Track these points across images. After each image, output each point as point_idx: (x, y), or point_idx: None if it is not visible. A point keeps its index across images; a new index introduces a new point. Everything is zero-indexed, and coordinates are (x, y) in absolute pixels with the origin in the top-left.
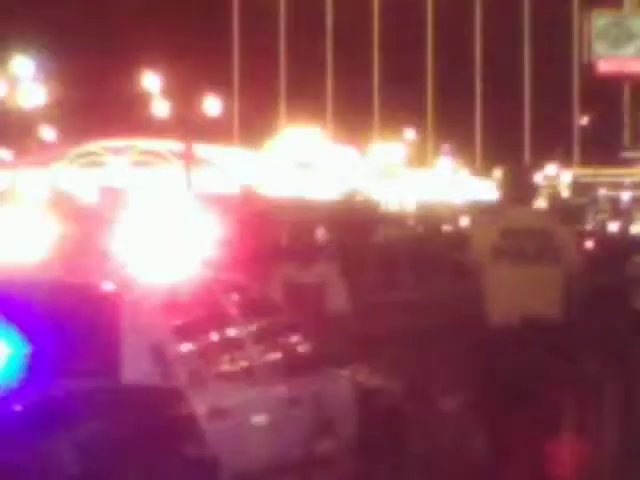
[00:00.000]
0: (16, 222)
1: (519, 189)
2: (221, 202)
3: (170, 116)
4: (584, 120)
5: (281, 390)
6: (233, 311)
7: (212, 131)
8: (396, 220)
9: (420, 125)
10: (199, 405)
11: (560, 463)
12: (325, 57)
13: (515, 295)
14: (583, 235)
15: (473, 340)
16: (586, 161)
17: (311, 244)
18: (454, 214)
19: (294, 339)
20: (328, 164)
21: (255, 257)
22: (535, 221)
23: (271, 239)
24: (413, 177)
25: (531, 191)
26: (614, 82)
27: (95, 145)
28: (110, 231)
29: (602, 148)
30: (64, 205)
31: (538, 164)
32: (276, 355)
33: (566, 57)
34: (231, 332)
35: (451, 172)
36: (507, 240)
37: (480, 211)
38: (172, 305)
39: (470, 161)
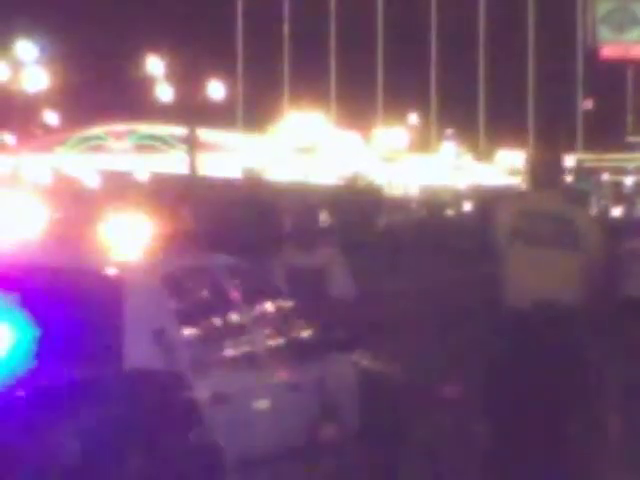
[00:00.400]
0: (18, 206)
1: (545, 172)
2: (225, 187)
3: (173, 100)
4: (588, 105)
5: (284, 375)
6: (236, 296)
7: (215, 115)
8: (399, 205)
9: (423, 110)
10: (201, 390)
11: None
12: (328, 42)
13: (529, 278)
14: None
15: (480, 325)
16: (590, 146)
17: (314, 228)
18: (457, 199)
19: (297, 324)
20: (331, 149)
21: (258, 241)
22: (555, 205)
23: (274, 223)
24: (416, 162)
25: (557, 175)
26: (618, 67)
27: (98, 129)
28: (113, 215)
29: (606, 133)
30: (67, 189)
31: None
32: (279, 340)
33: (570, 42)
34: (234, 317)
35: (454, 157)
36: (524, 222)
37: (501, 195)
38: (175, 290)
39: (474, 146)
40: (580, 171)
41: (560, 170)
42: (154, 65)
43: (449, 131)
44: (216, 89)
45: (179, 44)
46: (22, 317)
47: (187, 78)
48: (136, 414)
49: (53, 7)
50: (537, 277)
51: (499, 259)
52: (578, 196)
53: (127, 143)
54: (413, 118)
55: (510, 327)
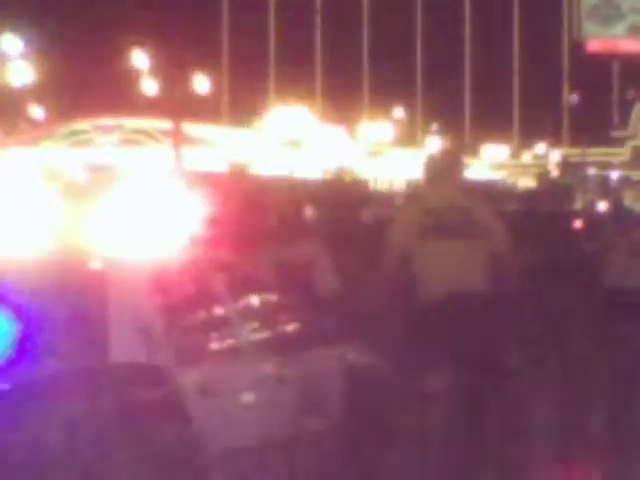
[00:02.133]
0: (3, 201)
1: (441, 171)
2: (209, 180)
3: (159, 94)
4: (573, 99)
5: (269, 368)
6: (221, 289)
7: (201, 109)
8: (385, 199)
9: (409, 104)
10: (186, 384)
11: None
12: (314, 36)
13: (440, 270)
14: (572, 214)
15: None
16: (575, 140)
17: (299, 223)
18: None
19: (283, 317)
20: (317, 143)
21: (243, 235)
22: (455, 199)
23: (259, 217)
24: (402, 156)
25: (456, 171)
26: (604, 61)
27: (84, 123)
28: (97, 209)
29: (591, 128)
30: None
31: (527, 143)
32: (264, 333)
33: (556, 36)
34: (219, 311)
35: (448, 147)
36: (429, 218)
37: (405, 196)
38: (159, 284)
39: (459, 140)
40: (565, 166)
41: (459, 166)
42: (139, 59)
43: (434, 125)
44: (201, 83)
45: (164, 38)
46: (5, 311)
47: (172, 72)
48: (120, 408)
49: (38, 1)
50: (447, 268)
51: (408, 257)
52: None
53: (113, 137)
54: (399, 112)
55: (425, 318)
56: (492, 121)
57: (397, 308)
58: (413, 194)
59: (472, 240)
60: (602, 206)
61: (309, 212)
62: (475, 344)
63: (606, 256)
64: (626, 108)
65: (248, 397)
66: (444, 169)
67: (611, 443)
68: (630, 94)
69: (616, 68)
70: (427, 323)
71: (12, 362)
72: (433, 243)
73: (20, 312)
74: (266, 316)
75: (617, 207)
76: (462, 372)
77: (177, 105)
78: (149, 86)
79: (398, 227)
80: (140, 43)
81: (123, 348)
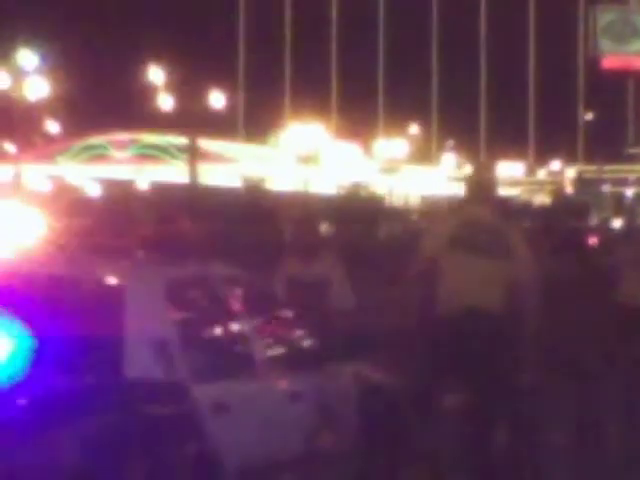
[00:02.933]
0: (20, 215)
1: (479, 189)
2: (224, 196)
3: (174, 110)
4: (589, 116)
5: (283, 385)
6: (236, 306)
7: (216, 125)
8: (400, 216)
9: (424, 121)
10: (201, 399)
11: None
12: (330, 52)
13: (462, 285)
14: (587, 231)
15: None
16: (590, 157)
17: (315, 239)
18: None
19: (297, 334)
20: (332, 159)
21: (259, 252)
22: (491, 218)
23: (275, 234)
24: (417, 172)
25: (488, 192)
26: (619, 78)
27: (99, 139)
28: (114, 224)
29: (606, 144)
30: (68, 198)
31: (542, 160)
32: (279, 350)
33: (571, 53)
34: (234, 327)
35: (455, 167)
36: (464, 231)
37: (445, 208)
38: (175, 300)
39: (474, 156)
40: (580, 182)
41: (493, 187)
42: (155, 74)
43: (450, 142)
44: (217, 99)
45: (180, 54)
46: (23, 326)
47: (188, 88)
48: (136, 424)
49: (54, 16)
50: (470, 284)
51: (435, 266)
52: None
53: (128, 152)
54: (414, 129)
55: (444, 333)
56: (507, 138)
57: (414, 323)
58: (451, 208)
59: (499, 261)
60: (617, 223)
61: (324, 228)
62: (489, 363)
63: (619, 272)
64: None
65: (263, 413)
66: (484, 188)
67: (626, 460)
68: None
69: (631, 85)
70: (442, 339)
71: (27, 378)
72: (461, 257)
73: (36, 327)
74: (282, 332)
75: (630, 224)
76: (476, 390)
77: (193, 121)
78: (165, 101)
79: (430, 236)
80: (156, 59)
81: (139, 364)
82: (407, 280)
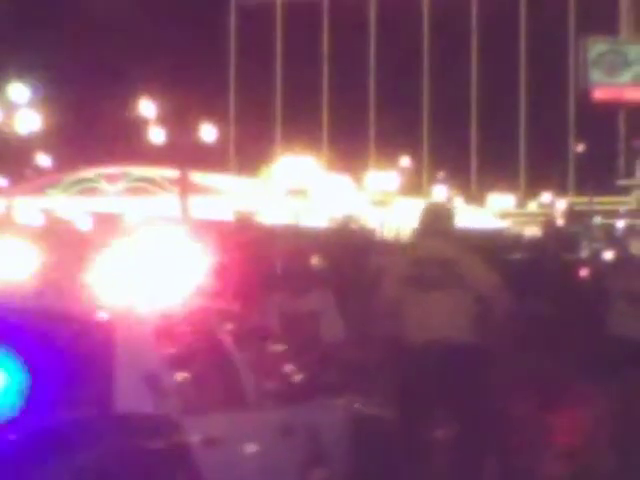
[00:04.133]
0: (11, 249)
1: (432, 223)
2: (216, 229)
3: (166, 143)
4: (580, 148)
5: (275, 419)
6: (227, 340)
7: (208, 158)
8: (391, 248)
9: (415, 153)
10: (193, 434)
11: None
12: (321, 85)
13: (424, 320)
14: (577, 263)
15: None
16: (581, 189)
17: (306, 272)
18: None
19: (288, 368)
20: (323, 192)
21: (250, 285)
22: (440, 251)
23: (266, 267)
24: (408, 205)
25: (443, 225)
26: (610, 110)
27: (90, 172)
28: (104, 258)
29: (597, 176)
30: (59, 232)
31: (533, 191)
32: (270, 384)
33: (562, 84)
34: (225, 361)
35: (446, 200)
36: (415, 269)
37: (397, 246)
38: (166, 333)
39: (465, 189)
40: (571, 214)
41: (450, 219)
42: (146, 107)
43: (440, 174)
44: (208, 132)
45: (171, 87)
46: (12, 361)
47: (179, 121)
48: (128, 458)
49: (46, 50)
50: (431, 319)
51: (396, 305)
52: (569, 239)
53: (120, 185)
54: (405, 161)
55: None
56: (498, 170)
57: (387, 358)
58: (405, 245)
59: (455, 291)
60: (609, 255)
61: (315, 261)
62: (463, 395)
63: (608, 304)
64: (632, 156)
65: (254, 447)
66: (433, 221)
67: None
68: (636, 143)
69: (622, 116)
70: (412, 373)
71: (19, 413)
72: (417, 294)
73: (26, 361)
74: (272, 366)
75: (621, 256)
76: (457, 421)
77: (184, 153)
78: (156, 134)
79: (387, 277)
80: (147, 92)
81: (130, 398)
82: (374, 319)
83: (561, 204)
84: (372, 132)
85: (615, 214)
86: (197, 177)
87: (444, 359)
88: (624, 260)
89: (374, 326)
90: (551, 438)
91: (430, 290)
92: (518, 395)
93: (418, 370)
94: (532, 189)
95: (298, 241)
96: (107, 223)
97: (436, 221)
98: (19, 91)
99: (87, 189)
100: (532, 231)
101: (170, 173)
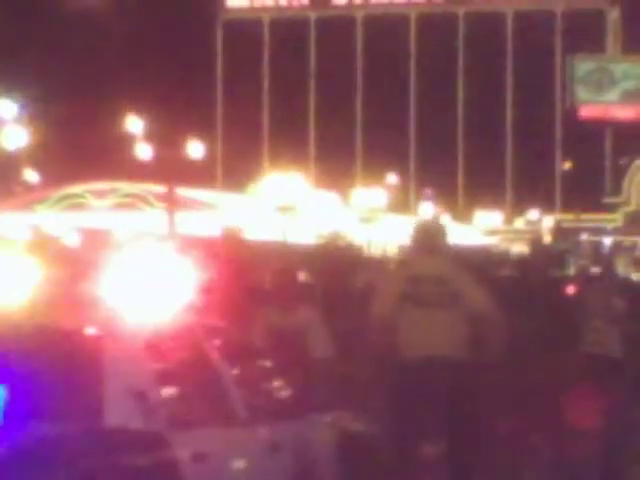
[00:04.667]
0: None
1: (427, 241)
2: (204, 246)
3: (153, 159)
4: (566, 165)
5: (263, 435)
6: (215, 356)
7: (195, 174)
8: (378, 264)
9: (402, 170)
10: (181, 449)
11: None
12: (308, 102)
13: (418, 337)
14: (565, 280)
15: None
16: (568, 206)
17: (294, 288)
18: None
19: (276, 384)
20: (310, 208)
21: (238, 301)
22: (435, 269)
23: (254, 283)
24: (395, 222)
25: (437, 242)
26: (596, 127)
27: (78, 188)
28: (92, 274)
29: (584, 193)
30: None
31: (520, 209)
32: (258, 400)
33: (548, 102)
34: (213, 377)
35: (435, 216)
36: (411, 286)
37: (385, 262)
38: (154, 349)
39: (452, 206)
40: (558, 231)
41: (444, 237)
42: (133, 124)
43: (427, 191)
44: (195, 148)
45: (158, 103)
46: (3, 377)
47: (166, 137)
48: (116, 473)
49: (33, 65)
50: (425, 335)
51: (390, 320)
52: (556, 256)
53: (107, 201)
54: (392, 178)
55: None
56: (485, 187)
57: (381, 374)
58: (399, 261)
59: (449, 308)
60: (595, 271)
61: (303, 277)
62: (457, 410)
63: (587, 322)
64: (618, 174)
65: (242, 463)
66: (427, 239)
67: None
68: (623, 160)
69: (609, 134)
70: (406, 389)
71: (7, 426)
72: (411, 311)
73: (16, 377)
74: (260, 382)
75: (607, 272)
76: (449, 439)
77: (171, 169)
78: (143, 151)
79: (381, 294)
80: (135, 108)
81: (119, 413)
82: (368, 334)
83: (548, 221)
84: (359, 149)
85: (602, 231)
86: (184, 193)
87: (438, 375)
88: (605, 278)
89: (367, 342)
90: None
91: (425, 307)
92: (505, 412)
93: (411, 386)
94: (519, 206)
95: (286, 257)
96: (95, 239)
97: (429, 238)
98: (6, 107)
99: (74, 205)
100: (519, 248)
101: (157, 189)
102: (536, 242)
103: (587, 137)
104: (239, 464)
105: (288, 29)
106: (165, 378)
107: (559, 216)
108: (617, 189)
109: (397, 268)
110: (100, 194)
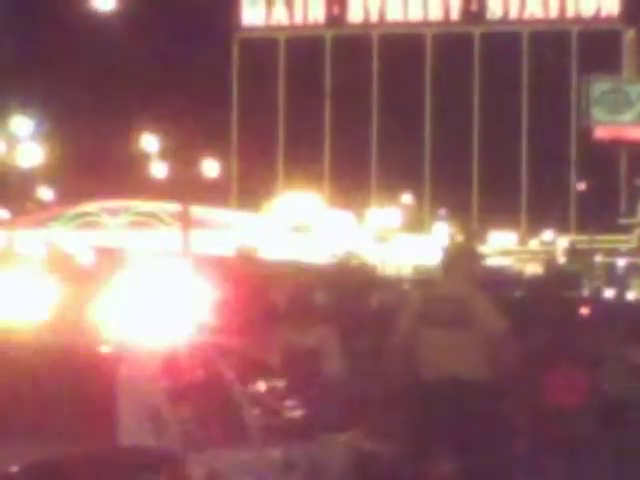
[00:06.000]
0: (12, 283)
1: (455, 260)
2: (218, 265)
3: (168, 178)
4: (581, 186)
5: (277, 455)
6: (229, 375)
7: (210, 193)
8: (392, 285)
9: (417, 190)
10: (195, 469)
11: None
12: (323, 122)
13: (435, 357)
14: (578, 301)
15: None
16: (583, 227)
17: (308, 308)
18: None
19: (290, 403)
20: (325, 228)
21: (252, 321)
22: (453, 289)
23: (268, 303)
24: (409, 242)
25: (468, 262)
26: (612, 148)
27: (92, 206)
28: (107, 293)
29: (599, 214)
30: (61, 266)
31: (535, 229)
32: (272, 419)
33: (564, 123)
34: (227, 396)
35: (447, 237)
36: (427, 307)
37: (418, 282)
38: (168, 368)
39: (466, 226)
40: (572, 252)
41: (471, 258)
42: (149, 142)
43: (442, 211)
44: (210, 167)
45: (174, 122)
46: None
47: (181, 156)
48: None
49: (48, 83)
50: (442, 356)
51: (409, 340)
52: (570, 277)
53: (121, 219)
54: (406, 198)
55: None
56: (500, 207)
57: (399, 393)
58: (420, 281)
59: (465, 330)
60: (609, 293)
61: (317, 297)
62: (477, 429)
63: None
64: (633, 195)
65: None
66: (452, 261)
67: None
68: (638, 181)
69: (624, 155)
70: (424, 409)
71: (21, 445)
72: (429, 331)
73: (30, 395)
74: (274, 402)
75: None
76: (463, 458)
77: (186, 188)
78: (158, 169)
79: (403, 314)
80: (150, 127)
81: (132, 433)
82: (388, 354)
83: (562, 242)
84: (374, 169)
85: (616, 252)
86: (198, 212)
87: (452, 395)
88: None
89: (383, 362)
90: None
91: (442, 327)
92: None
93: (426, 405)
94: (534, 227)
95: (300, 276)
96: (109, 257)
97: (450, 260)
98: (21, 124)
99: (89, 222)
100: (534, 269)
101: (172, 207)
102: (550, 263)
103: (602, 158)
104: None
105: (304, 48)
106: (179, 397)
107: (573, 237)
108: (632, 210)
109: (418, 288)
110: (114, 212)
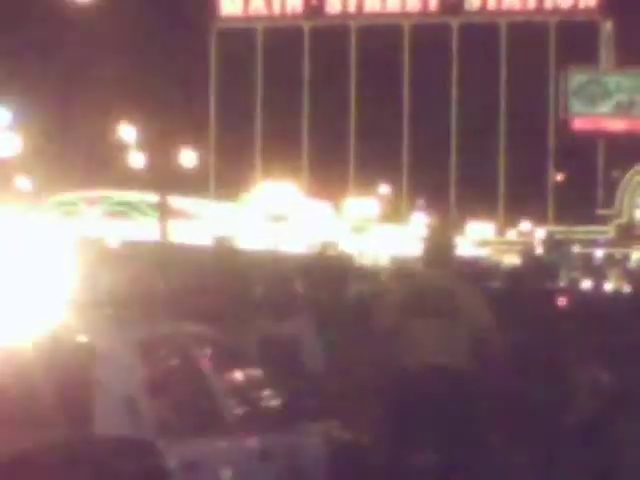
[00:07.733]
0: None
1: (436, 253)
2: (195, 254)
3: (146, 168)
4: (559, 177)
5: (254, 444)
6: (206, 364)
7: (187, 183)
8: (369, 275)
9: (395, 180)
10: (170, 458)
11: None
12: (301, 112)
13: (419, 347)
14: (556, 292)
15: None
16: (560, 218)
17: (285, 298)
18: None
19: (267, 393)
20: (302, 218)
21: (229, 311)
22: (438, 281)
23: (245, 292)
24: (387, 232)
25: (445, 255)
26: (589, 140)
27: (70, 196)
28: (85, 282)
29: (576, 205)
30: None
31: (512, 220)
32: (249, 409)
33: (542, 114)
34: (204, 385)
35: (426, 227)
36: (412, 298)
37: (398, 274)
38: (145, 357)
39: (443, 216)
40: (550, 243)
41: (450, 251)
42: (126, 132)
43: (420, 201)
44: (188, 157)
45: (152, 112)
46: None
47: (159, 146)
48: None
49: (27, 73)
50: (427, 346)
51: (393, 333)
52: (547, 268)
53: (99, 209)
54: (384, 188)
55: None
56: (477, 198)
57: (380, 382)
58: (399, 271)
59: (450, 321)
60: (586, 283)
61: (294, 287)
62: (454, 420)
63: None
64: (611, 186)
65: (232, 472)
66: (434, 250)
67: None
68: (615, 172)
69: (601, 146)
70: (405, 398)
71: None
72: (414, 321)
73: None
74: (251, 391)
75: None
76: (444, 449)
77: (164, 178)
78: (136, 159)
79: (384, 304)
80: (128, 117)
81: (108, 421)
82: (368, 343)
83: (540, 233)
84: (352, 159)
85: (594, 243)
86: (177, 201)
87: (437, 384)
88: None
89: (368, 351)
90: None
91: (426, 318)
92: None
93: (407, 395)
94: (511, 217)
95: (278, 267)
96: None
97: (436, 250)
98: None
99: (67, 212)
100: (511, 259)
101: (150, 197)
102: (528, 254)
103: (580, 149)
104: (229, 473)
105: (282, 38)
106: (155, 386)
107: (551, 228)
108: (609, 201)
109: (401, 278)
110: (92, 202)
